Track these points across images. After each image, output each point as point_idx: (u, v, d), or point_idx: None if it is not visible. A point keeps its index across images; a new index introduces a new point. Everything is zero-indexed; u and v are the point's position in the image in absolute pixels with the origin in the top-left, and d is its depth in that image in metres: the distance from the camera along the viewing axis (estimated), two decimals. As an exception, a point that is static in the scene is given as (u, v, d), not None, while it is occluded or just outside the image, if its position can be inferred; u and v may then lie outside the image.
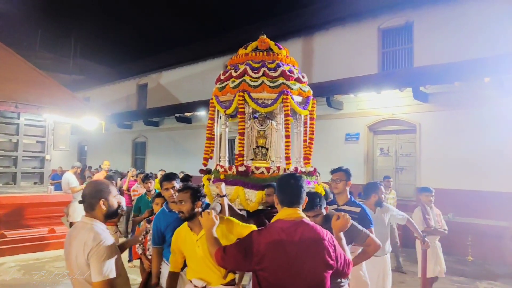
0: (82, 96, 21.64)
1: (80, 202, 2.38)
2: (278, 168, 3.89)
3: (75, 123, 8.07)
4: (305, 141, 4.23)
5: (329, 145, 10.78)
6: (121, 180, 9.29)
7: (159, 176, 6.82)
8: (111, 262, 2.17)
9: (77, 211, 6.98)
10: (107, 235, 2.26)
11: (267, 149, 4.08)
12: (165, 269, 3.35)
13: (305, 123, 4.20)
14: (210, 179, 4.02)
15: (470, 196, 8.17)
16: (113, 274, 2.15)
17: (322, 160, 10.75)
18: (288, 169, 3.89)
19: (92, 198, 2.33)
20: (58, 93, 7.60)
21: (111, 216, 2.41)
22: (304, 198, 2.26)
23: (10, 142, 7.39)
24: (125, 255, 5.66)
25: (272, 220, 2.24)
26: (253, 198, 3.71)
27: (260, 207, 3.80)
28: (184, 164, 13.26)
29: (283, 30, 13.04)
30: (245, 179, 3.81)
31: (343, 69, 10.62)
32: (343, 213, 2.66)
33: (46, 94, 7.24)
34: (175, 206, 2.80)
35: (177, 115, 14.34)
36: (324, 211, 2.79)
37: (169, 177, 3.49)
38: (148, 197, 5.22)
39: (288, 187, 2.23)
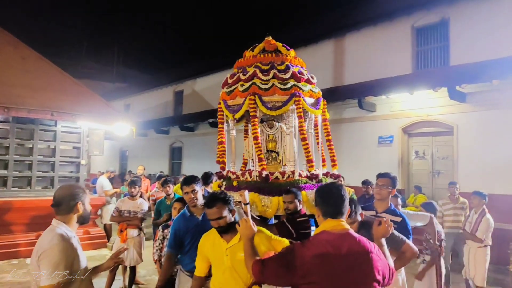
0: (123, 103, 22.59)
1: (52, 205, 2.35)
2: (293, 172, 3.79)
3: (108, 129, 8.40)
4: (318, 144, 4.09)
5: (361, 148, 10.52)
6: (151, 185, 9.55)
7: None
8: (62, 266, 2.08)
9: (110, 213, 7.25)
10: (67, 238, 2.20)
11: (277, 153, 3.99)
12: (180, 278, 3.29)
13: (316, 124, 4.07)
14: (222, 186, 3.97)
15: (511, 201, 7.65)
16: (60, 279, 2.06)
17: (354, 164, 10.57)
18: (310, 172, 3.78)
19: (70, 200, 2.33)
20: (92, 100, 7.96)
21: (85, 220, 2.41)
22: (348, 209, 2.18)
23: (48, 148, 7.82)
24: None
25: (315, 232, 2.17)
26: (269, 204, 3.60)
27: (278, 213, 3.73)
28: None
29: (314, 33, 12.92)
30: (260, 185, 3.72)
31: (375, 70, 10.33)
32: (384, 218, 2.56)
33: (80, 102, 7.59)
34: (212, 223, 2.61)
35: (211, 120, 14.56)
36: (359, 218, 2.72)
37: (189, 180, 3.31)
38: (167, 201, 5.31)
39: (331, 197, 2.15)
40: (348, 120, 10.94)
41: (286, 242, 2.63)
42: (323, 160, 4.09)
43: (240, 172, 4.04)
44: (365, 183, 7.38)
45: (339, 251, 1.99)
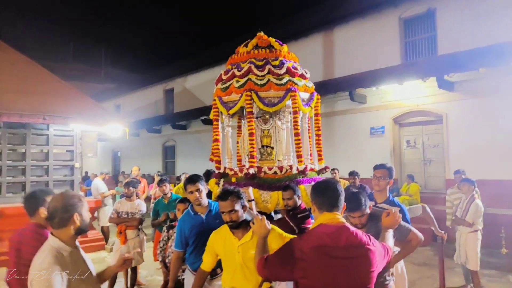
0: (113, 103, 22.44)
1: (47, 219, 2.19)
2: (291, 167, 3.82)
3: (101, 131, 8.37)
4: (310, 137, 4.14)
5: (353, 140, 10.63)
6: (148, 185, 9.54)
7: (182, 180, 6.82)
8: None
9: (107, 216, 7.24)
10: (60, 258, 2.06)
11: (272, 148, 4.02)
12: (188, 277, 3.28)
13: (309, 119, 4.11)
14: (219, 183, 3.98)
15: (502, 186, 7.82)
16: None
17: (347, 155, 10.68)
18: (300, 167, 3.83)
19: (64, 212, 2.12)
20: (84, 102, 7.92)
21: (84, 230, 2.23)
22: (343, 203, 2.21)
23: (42, 153, 7.77)
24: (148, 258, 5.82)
25: (312, 226, 2.19)
26: (269, 199, 3.62)
27: (278, 208, 3.75)
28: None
29: (303, 27, 12.96)
30: (258, 180, 3.73)
31: (365, 62, 10.41)
32: (393, 209, 2.60)
33: (72, 105, 7.55)
34: (224, 216, 2.60)
35: (203, 117, 14.54)
36: (368, 210, 2.73)
37: (193, 179, 3.28)
38: (165, 200, 5.32)
39: (327, 191, 2.19)
40: (340, 112, 11.04)
41: (290, 237, 2.62)
42: (319, 155, 4.13)
43: (238, 168, 4.05)
44: (352, 173, 7.56)
45: (337, 243, 2.03)
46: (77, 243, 2.28)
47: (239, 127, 4.68)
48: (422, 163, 9.79)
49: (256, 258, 2.29)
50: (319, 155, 4.15)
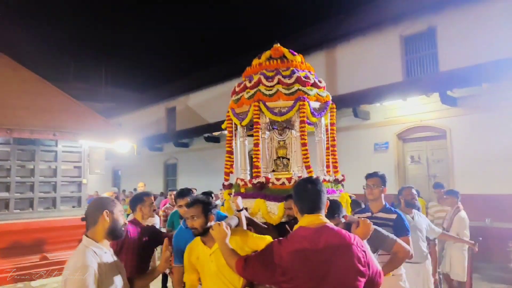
0: (114, 122, 22.45)
1: (82, 219, 2.26)
2: (300, 178, 3.71)
3: (109, 147, 8.40)
4: (327, 148, 4.14)
5: (357, 155, 10.69)
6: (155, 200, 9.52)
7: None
8: None
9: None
10: (95, 261, 2.08)
11: (288, 159, 4.04)
12: None
13: (327, 130, 4.13)
14: (231, 194, 3.97)
15: (508, 201, 7.86)
16: None
17: (351, 171, 10.58)
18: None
19: (95, 210, 2.20)
20: (92, 119, 7.97)
21: (114, 233, 2.24)
22: (325, 203, 2.14)
23: (50, 169, 7.77)
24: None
25: (294, 229, 2.13)
26: (275, 210, 3.57)
27: (284, 220, 3.74)
28: (214, 182, 13.42)
29: (304, 45, 13.14)
30: (266, 191, 3.70)
31: (367, 79, 10.59)
32: (362, 219, 2.54)
33: (81, 121, 7.60)
34: (187, 222, 2.69)
35: (206, 135, 14.64)
36: (343, 220, 2.66)
37: (183, 193, 3.41)
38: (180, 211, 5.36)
39: (305, 192, 2.12)
40: (344, 129, 11.13)
41: (269, 238, 2.65)
42: (335, 167, 4.15)
43: (249, 179, 4.05)
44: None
45: (316, 245, 1.96)
46: (109, 248, 2.31)
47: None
48: (426, 178, 9.84)
49: (227, 261, 2.27)
50: (335, 166, 4.17)
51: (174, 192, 5.97)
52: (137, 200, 3.62)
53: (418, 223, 4.12)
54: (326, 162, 4.08)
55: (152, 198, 3.79)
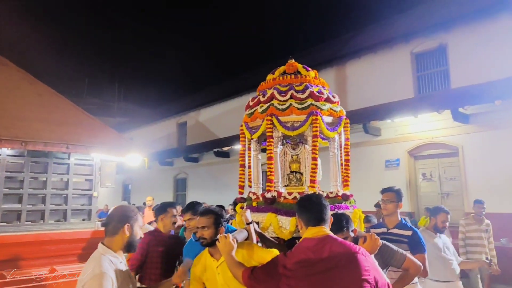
0: (126, 137, 22.63)
1: (103, 225, 2.34)
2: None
3: (120, 161, 8.47)
4: (341, 164, 4.13)
5: (368, 172, 10.61)
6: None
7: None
8: None
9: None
10: (111, 269, 2.11)
11: (301, 174, 4.04)
12: None
13: (340, 145, 4.12)
14: (243, 207, 3.99)
15: (524, 220, 7.70)
16: None
17: (362, 188, 10.58)
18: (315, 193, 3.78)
19: (118, 222, 2.25)
20: (104, 133, 8.07)
21: (130, 247, 2.29)
22: (329, 217, 2.17)
23: (61, 181, 7.85)
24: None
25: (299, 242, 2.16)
26: (287, 225, 3.50)
27: (295, 235, 3.70)
28: (224, 197, 13.42)
29: (314, 61, 13.23)
30: (277, 205, 3.67)
31: (378, 95, 10.59)
32: (370, 233, 2.53)
33: (94, 135, 7.70)
34: (198, 231, 2.70)
35: (216, 150, 14.69)
36: (352, 234, 2.64)
37: (191, 207, 3.44)
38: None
39: (310, 206, 2.17)
40: (354, 145, 11.03)
41: (274, 252, 2.64)
42: (346, 180, 4.12)
43: (261, 193, 4.05)
44: (377, 205, 7.51)
45: (320, 255, 1.98)
46: (123, 257, 2.35)
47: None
48: (439, 196, 9.70)
49: (234, 272, 2.29)
50: (345, 181, 4.14)
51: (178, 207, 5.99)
52: (161, 210, 3.70)
53: (446, 240, 4.05)
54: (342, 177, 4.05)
55: (175, 210, 3.82)
